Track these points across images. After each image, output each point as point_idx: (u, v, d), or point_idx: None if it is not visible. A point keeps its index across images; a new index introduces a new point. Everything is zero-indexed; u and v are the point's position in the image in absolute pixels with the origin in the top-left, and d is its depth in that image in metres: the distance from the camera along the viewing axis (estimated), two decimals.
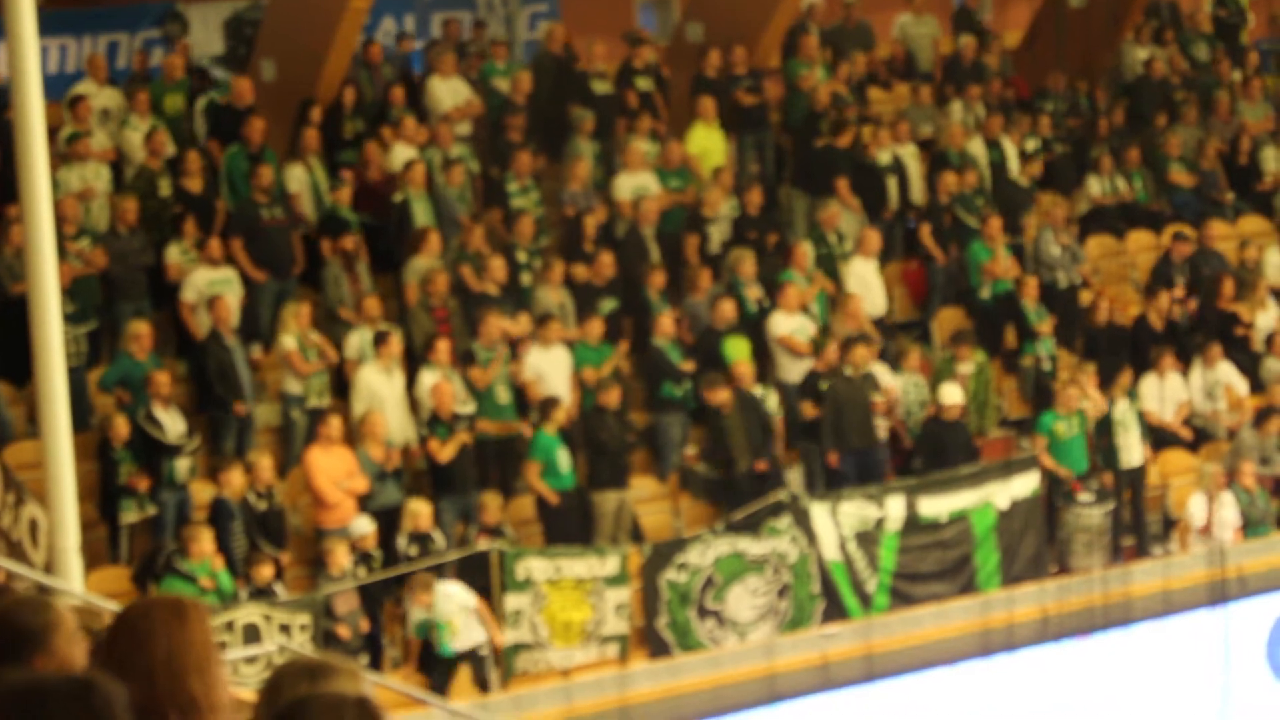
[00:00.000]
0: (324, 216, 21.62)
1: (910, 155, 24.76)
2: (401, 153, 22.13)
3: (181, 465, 18.62)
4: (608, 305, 21.53)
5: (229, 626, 17.07)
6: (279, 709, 4.90)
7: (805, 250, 22.66)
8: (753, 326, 22.23)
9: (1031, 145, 25.80)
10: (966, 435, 22.20)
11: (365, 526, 17.89)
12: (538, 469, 19.57)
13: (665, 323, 21.20)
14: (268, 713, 5.23)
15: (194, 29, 27.93)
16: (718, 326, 21.74)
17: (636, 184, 22.89)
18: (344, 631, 17.07)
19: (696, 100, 24.04)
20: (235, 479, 18.30)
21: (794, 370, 21.16)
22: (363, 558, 18.25)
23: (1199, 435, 23.41)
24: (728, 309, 21.67)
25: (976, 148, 25.12)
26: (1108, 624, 21.09)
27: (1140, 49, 27.90)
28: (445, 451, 18.74)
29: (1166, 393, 23.12)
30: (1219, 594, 21.29)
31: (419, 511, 18.34)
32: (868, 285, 23.30)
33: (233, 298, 20.17)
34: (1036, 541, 21.65)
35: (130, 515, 18.78)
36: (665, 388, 21.07)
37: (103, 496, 18.90)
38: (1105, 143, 26.46)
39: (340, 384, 19.64)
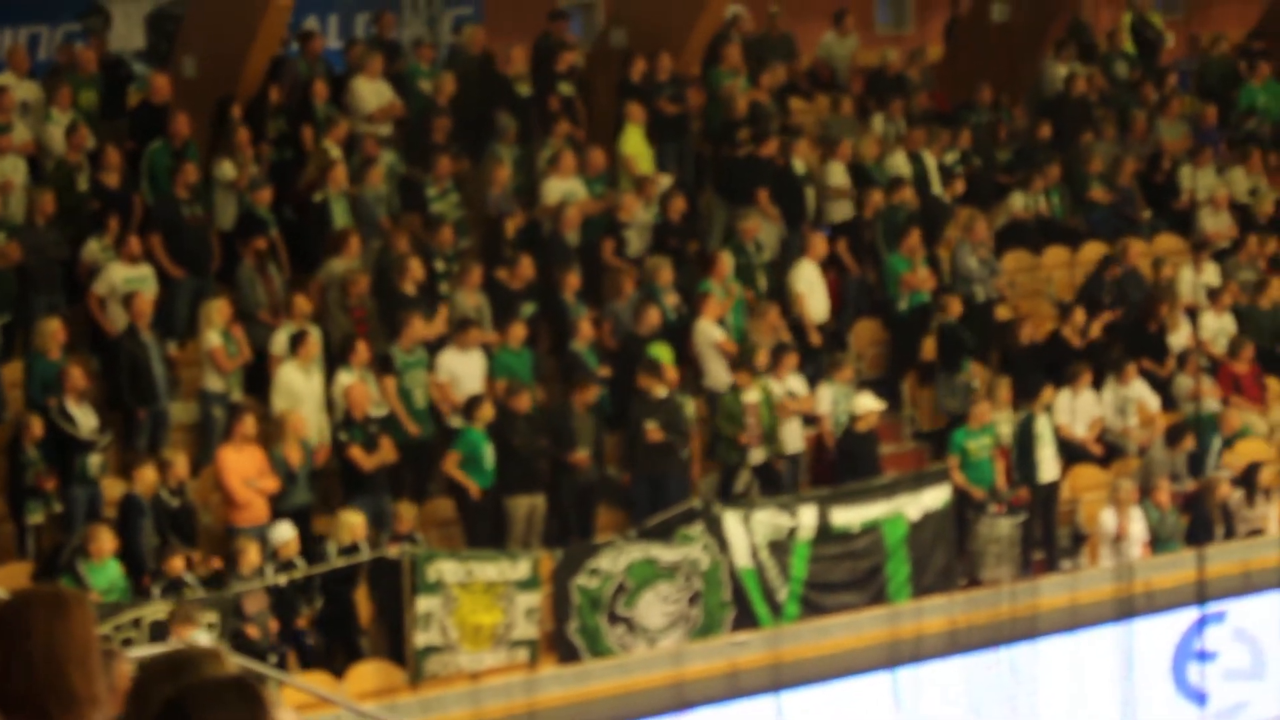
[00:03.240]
0: (242, 215, 21.67)
1: (830, 166, 25.01)
2: (329, 151, 22.24)
3: (94, 461, 18.67)
4: (526, 309, 21.61)
5: (136, 624, 17.08)
6: (156, 709, 4.84)
7: (725, 259, 22.91)
8: (672, 334, 22.37)
9: (951, 159, 26.07)
10: (877, 447, 22.36)
11: (286, 533, 17.93)
12: (457, 459, 19.69)
13: (584, 327, 21.33)
14: (139, 715, 5.24)
15: (116, 23, 27.86)
16: (642, 332, 21.92)
17: (565, 189, 23.02)
18: (253, 631, 17.09)
19: (624, 106, 24.19)
20: (147, 475, 18.31)
21: (723, 378, 21.43)
22: (284, 565, 18.27)
23: (1110, 451, 23.67)
24: (653, 315, 21.85)
25: (898, 161, 25.39)
26: (1015, 637, 21.27)
27: (1061, 66, 28.21)
28: (369, 461, 18.89)
29: (1079, 408, 23.32)
30: (1126, 609, 21.58)
31: (353, 523, 18.48)
32: (813, 289, 23.48)
33: (150, 295, 20.19)
34: (947, 553, 21.84)
35: (36, 517, 18.81)
36: (589, 393, 21.27)
37: (10, 495, 18.89)
38: (1025, 158, 26.78)
39: (254, 382, 19.71)
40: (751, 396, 21.85)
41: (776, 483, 22.21)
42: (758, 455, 22.11)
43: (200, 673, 5.31)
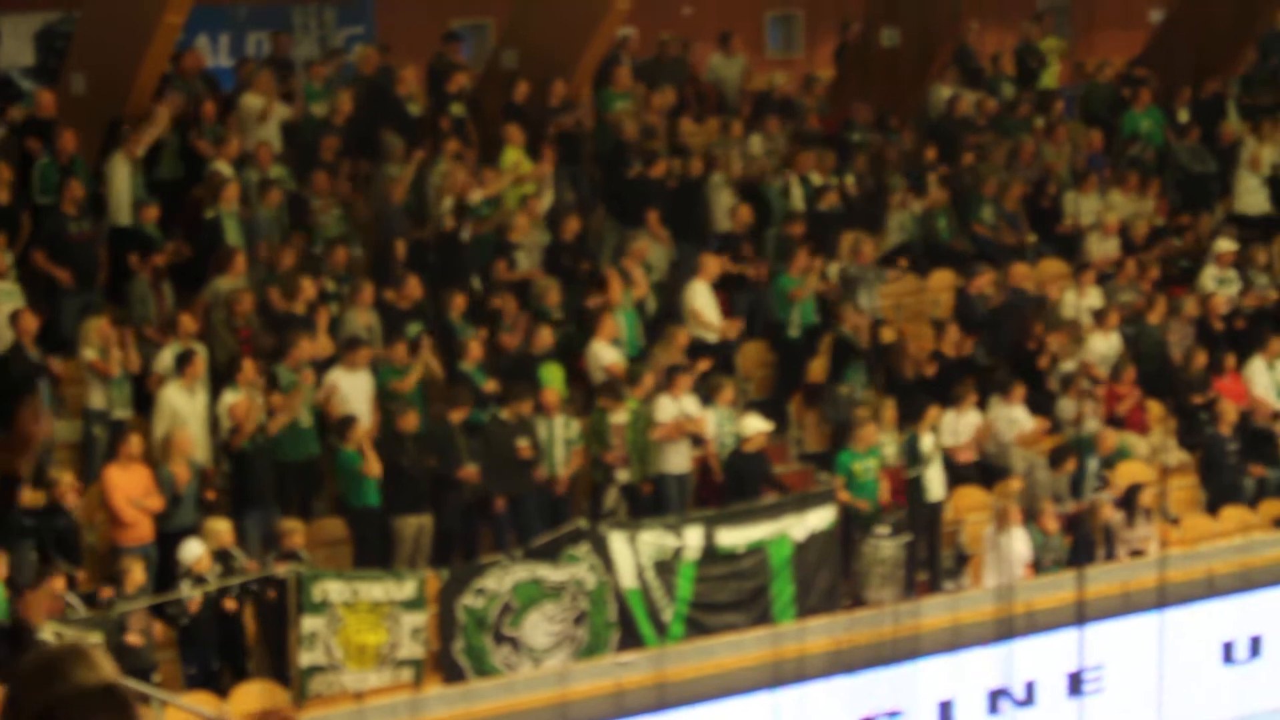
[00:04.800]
0: (130, 230, 21.62)
1: (719, 186, 25.12)
2: (220, 169, 22.16)
3: None
4: (414, 329, 21.65)
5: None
6: (30, 717, 4.74)
7: (618, 280, 23.00)
8: (563, 355, 22.43)
9: (837, 181, 26.21)
10: (767, 467, 22.45)
11: (195, 550, 17.84)
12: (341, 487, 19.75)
13: (472, 347, 21.40)
14: None
15: (5, 41, 27.73)
16: (534, 352, 21.98)
17: (459, 207, 23.16)
18: (135, 639, 17.04)
19: (505, 127, 24.29)
20: (31, 494, 18.13)
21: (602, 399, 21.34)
22: (198, 580, 18.23)
23: (993, 472, 23.88)
24: (545, 335, 21.95)
25: (787, 182, 25.63)
26: (898, 658, 21.42)
27: (945, 89, 28.62)
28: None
29: (962, 429, 23.56)
30: (1006, 630, 21.75)
31: (219, 530, 18.35)
32: (705, 308, 23.65)
33: (13, 309, 20.09)
34: (831, 574, 21.93)
35: None
36: (472, 413, 21.35)
37: None
38: (911, 180, 27.03)
39: (141, 400, 19.62)
40: (619, 418, 21.95)
41: (648, 504, 22.25)
42: (625, 475, 22.16)
43: (72, 677, 4.93)
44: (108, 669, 5.49)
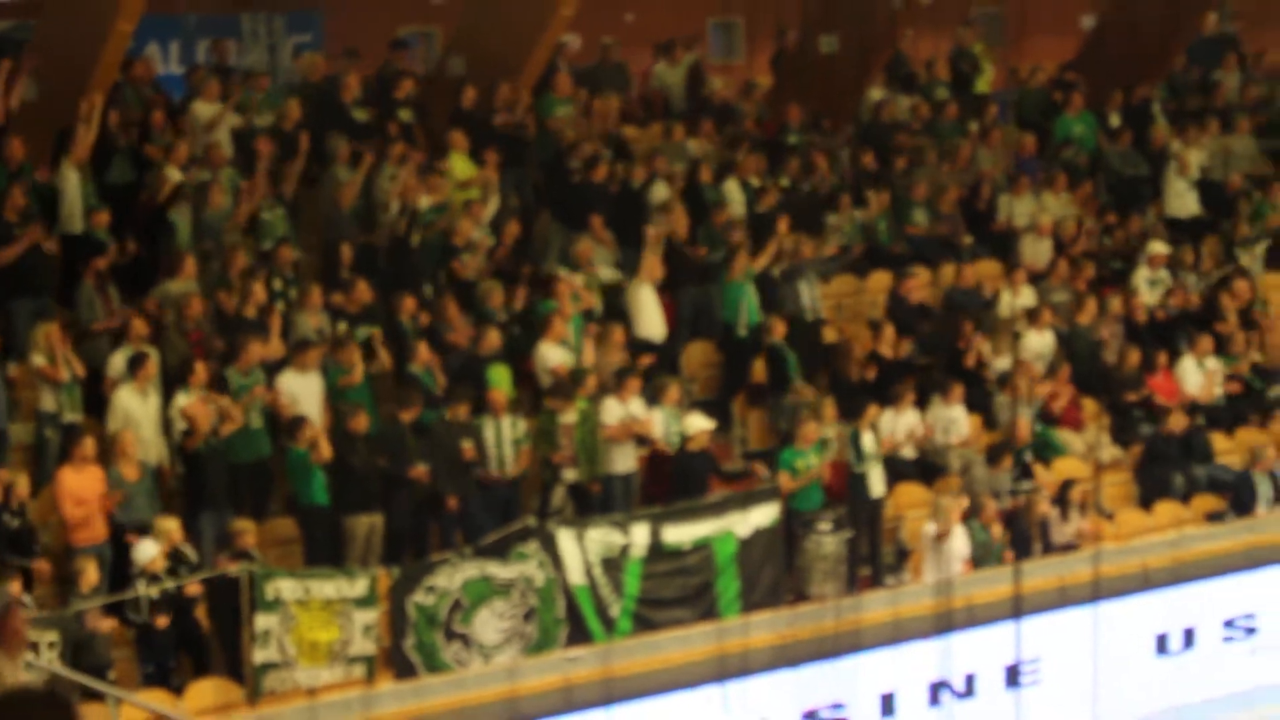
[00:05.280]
0: (82, 236, 21.68)
1: (661, 190, 25.33)
2: (170, 175, 22.21)
3: None
4: (363, 332, 21.82)
5: None
6: None
7: (566, 282, 23.17)
8: (509, 356, 22.62)
9: (776, 184, 26.50)
10: (713, 465, 22.69)
11: (150, 550, 18.01)
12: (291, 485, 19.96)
13: (421, 350, 21.61)
14: None
15: None
16: (481, 354, 22.16)
17: (405, 211, 23.31)
18: (98, 629, 17.41)
19: (450, 133, 24.48)
20: None
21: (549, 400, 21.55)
22: (152, 579, 18.33)
23: (932, 469, 24.21)
24: (492, 337, 22.16)
25: (727, 185, 25.85)
26: (839, 651, 21.65)
27: (877, 92, 28.90)
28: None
29: (901, 427, 23.81)
30: (945, 624, 22.02)
31: (169, 529, 18.51)
32: (647, 310, 23.89)
33: None
34: (775, 570, 22.16)
35: None
36: (424, 415, 21.55)
37: None
38: (849, 184, 27.21)
39: (93, 402, 19.76)
40: (568, 418, 22.14)
41: (596, 502, 22.47)
42: (572, 475, 22.33)
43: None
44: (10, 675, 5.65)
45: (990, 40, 34.37)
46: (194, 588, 18.69)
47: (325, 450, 20.37)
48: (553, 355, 22.59)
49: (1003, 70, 34.28)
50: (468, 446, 21.34)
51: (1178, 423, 24.82)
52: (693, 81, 29.23)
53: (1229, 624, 24.35)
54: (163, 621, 18.63)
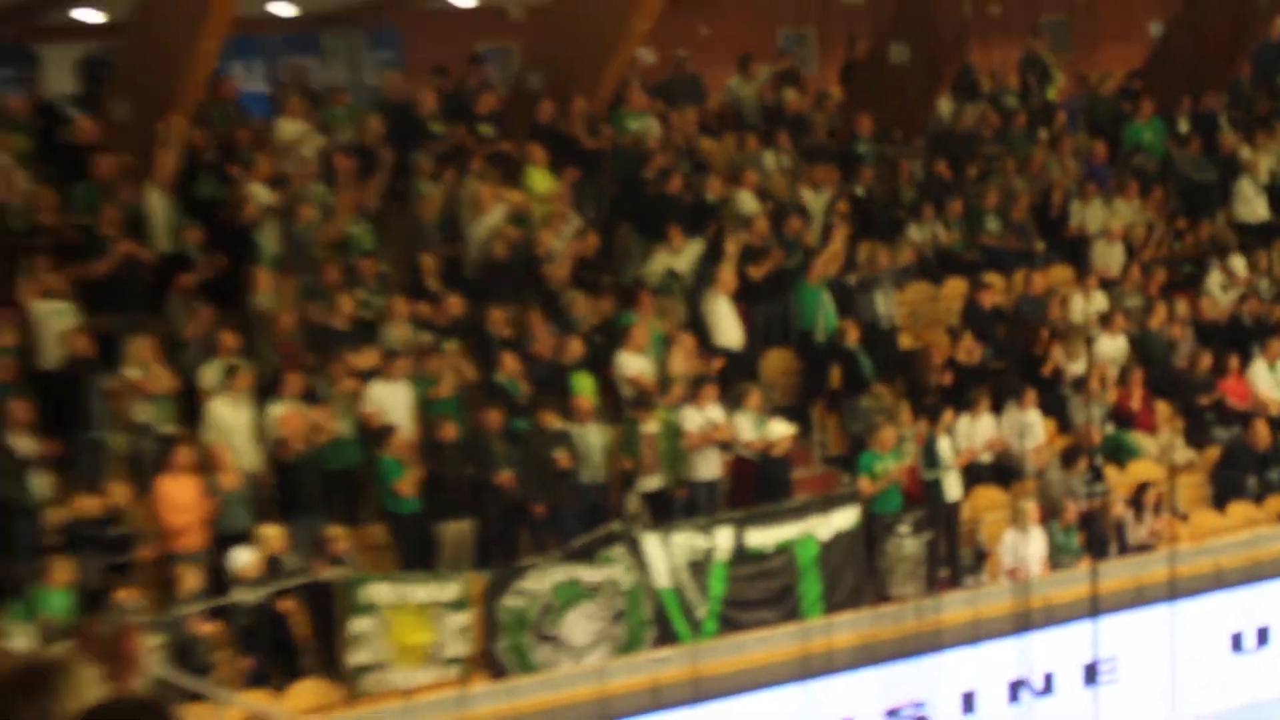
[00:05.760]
0: (171, 253, 22.20)
1: (740, 196, 25.69)
2: (255, 191, 22.66)
3: (38, 486, 19.07)
4: (449, 343, 22.19)
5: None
6: None
7: (647, 291, 23.67)
8: (594, 365, 22.99)
9: (849, 193, 26.80)
10: (790, 471, 23.03)
11: (247, 556, 18.47)
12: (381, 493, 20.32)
13: (508, 360, 22.01)
14: None
15: (48, 70, 28.22)
16: (565, 362, 22.55)
17: (489, 224, 23.67)
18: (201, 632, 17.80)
19: (529, 147, 24.85)
20: (89, 503, 18.85)
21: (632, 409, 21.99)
22: (251, 584, 18.74)
23: (1008, 473, 24.43)
24: (575, 346, 22.57)
25: (802, 195, 26.19)
26: (920, 650, 21.97)
27: (949, 103, 29.19)
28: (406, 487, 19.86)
29: (978, 432, 24.10)
30: (1024, 623, 22.25)
31: (270, 536, 18.96)
32: (724, 319, 24.21)
33: (69, 326, 20.61)
34: (856, 571, 22.47)
35: None
36: (510, 422, 21.80)
37: None
38: (924, 193, 27.43)
39: (188, 413, 20.20)
40: (650, 427, 22.42)
41: (682, 507, 22.65)
42: (654, 482, 22.54)
43: (56, 686, 5.18)
44: (92, 675, 5.61)
45: (1059, 48, 34.43)
46: (285, 603, 19.10)
47: (408, 483, 20.67)
48: (632, 364, 22.92)
49: (1072, 78, 34.28)
50: (561, 455, 21.62)
51: (1261, 434, 25.08)
52: (776, 92, 29.51)
53: None
54: (261, 625, 19.08)
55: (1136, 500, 24.02)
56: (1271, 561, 24.79)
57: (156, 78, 24.69)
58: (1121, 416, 25.63)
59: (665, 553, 21.25)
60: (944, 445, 23.11)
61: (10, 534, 19.57)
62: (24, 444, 19.56)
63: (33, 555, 18.89)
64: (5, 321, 20.95)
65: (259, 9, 30.26)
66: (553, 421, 21.80)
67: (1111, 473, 24.77)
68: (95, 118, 24.00)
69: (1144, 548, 23.87)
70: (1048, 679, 22.94)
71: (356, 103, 27.02)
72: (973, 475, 23.95)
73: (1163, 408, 26.20)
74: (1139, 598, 23.58)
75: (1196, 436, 25.73)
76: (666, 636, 21.27)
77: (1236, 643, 24.21)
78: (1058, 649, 23.09)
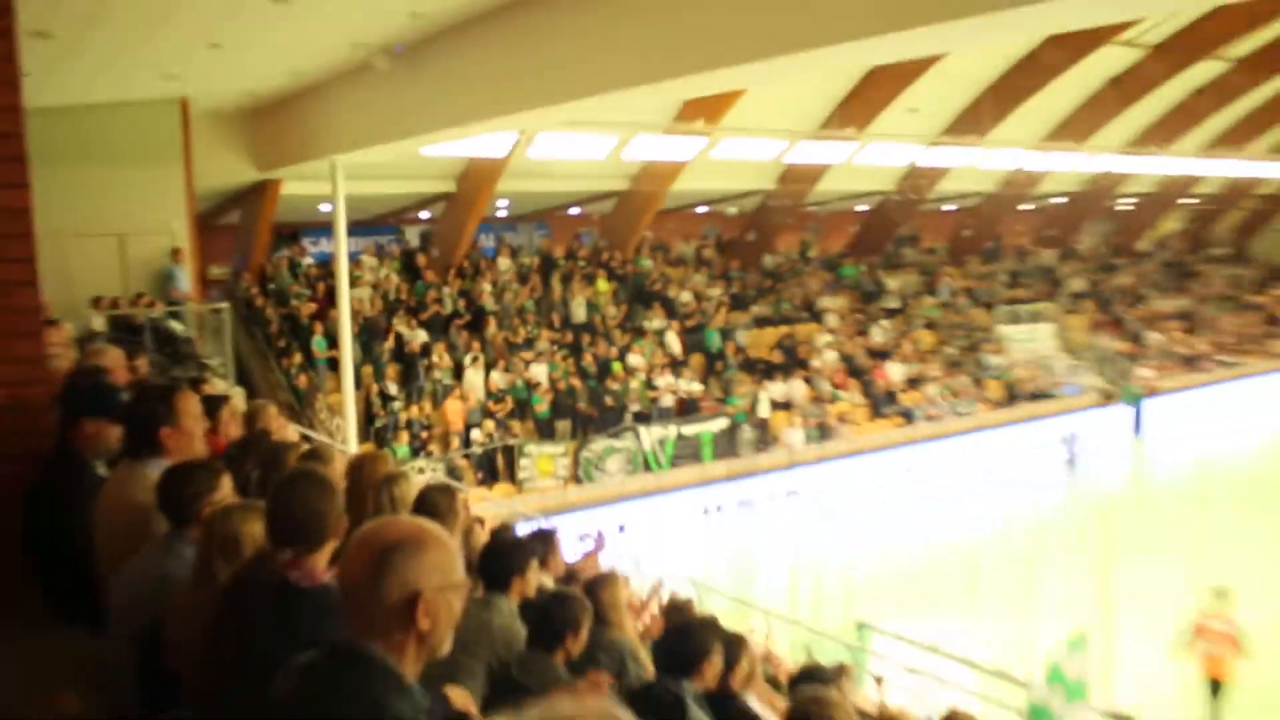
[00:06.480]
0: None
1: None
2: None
3: None
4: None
5: None
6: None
7: None
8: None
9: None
10: (699, 405, 34.37)
11: None
12: None
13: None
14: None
15: (409, 235, 41.63)
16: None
17: None
18: None
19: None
20: None
21: None
22: None
23: (789, 405, 36.92)
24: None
25: None
26: (738, 475, 33.18)
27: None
28: None
29: (780, 387, 37.15)
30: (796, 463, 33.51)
31: None
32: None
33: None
34: (725, 445, 34.14)
35: None
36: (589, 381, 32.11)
37: None
38: None
39: None
40: (634, 384, 31.36)
41: (655, 417, 32.51)
42: (638, 407, 32.69)
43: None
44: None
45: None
46: None
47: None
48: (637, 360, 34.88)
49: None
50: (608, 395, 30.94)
51: None
52: None
53: None
54: None
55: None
56: None
57: (447, 245, 38.08)
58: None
59: (648, 435, 32.94)
60: (763, 394, 36.81)
61: None
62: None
63: None
64: None
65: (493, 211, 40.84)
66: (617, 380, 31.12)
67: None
68: (427, 256, 37.62)
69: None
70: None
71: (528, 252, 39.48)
72: (775, 406, 37.31)
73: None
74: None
75: None
76: (649, 468, 32.68)
77: None
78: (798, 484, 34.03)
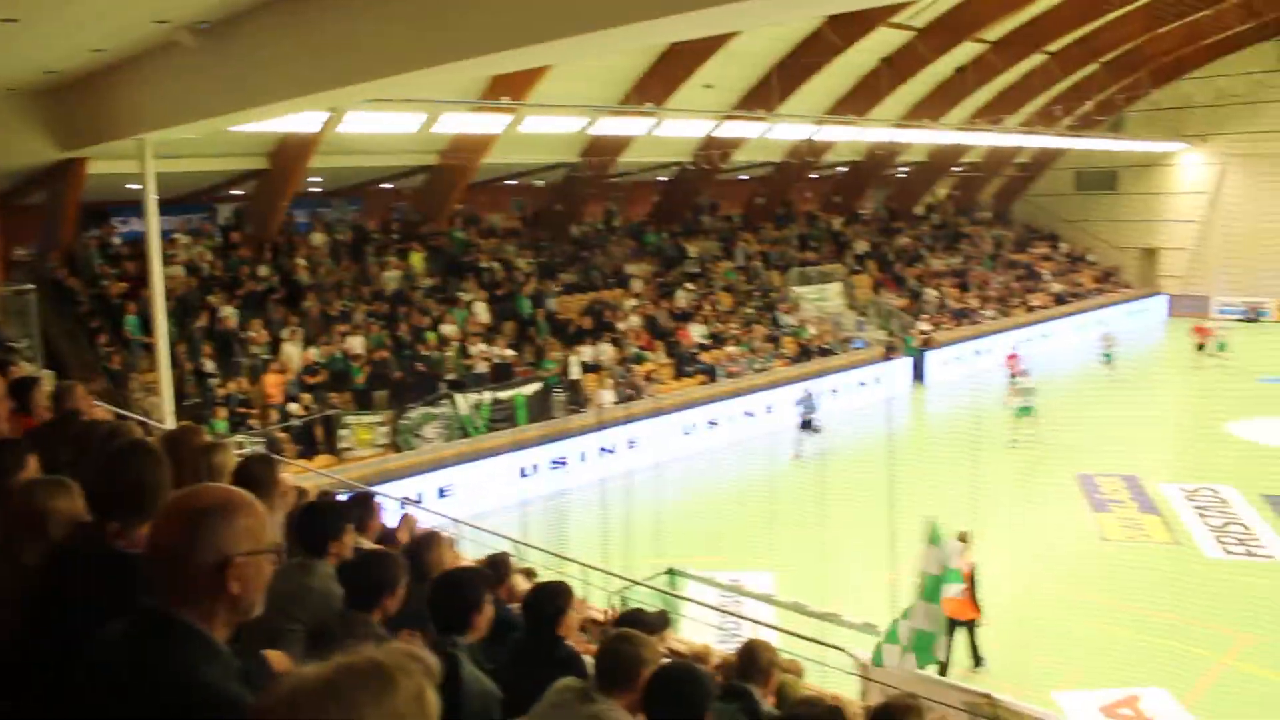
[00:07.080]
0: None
1: None
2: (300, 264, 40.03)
3: None
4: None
5: None
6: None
7: None
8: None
9: None
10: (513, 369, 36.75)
11: None
12: None
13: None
14: None
15: (220, 212, 40.85)
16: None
17: None
18: None
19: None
20: None
21: None
22: None
23: (599, 367, 38.12)
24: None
25: None
26: (559, 436, 34.40)
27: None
28: None
29: (589, 351, 38.88)
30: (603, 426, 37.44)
31: None
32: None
33: None
34: (538, 408, 34.55)
35: None
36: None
37: None
38: None
39: None
40: (450, 354, 32.59)
41: (468, 383, 32.63)
42: (453, 375, 32.76)
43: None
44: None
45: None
46: None
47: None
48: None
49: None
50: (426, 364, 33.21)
51: None
52: None
53: None
54: None
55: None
56: None
57: (261, 221, 38.17)
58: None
59: (464, 401, 32.93)
60: (574, 358, 37.55)
61: None
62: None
63: None
64: None
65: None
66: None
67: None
68: (241, 233, 37.52)
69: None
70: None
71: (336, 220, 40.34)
72: (585, 368, 37.70)
73: None
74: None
75: None
76: (465, 434, 32.59)
77: None
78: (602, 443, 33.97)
